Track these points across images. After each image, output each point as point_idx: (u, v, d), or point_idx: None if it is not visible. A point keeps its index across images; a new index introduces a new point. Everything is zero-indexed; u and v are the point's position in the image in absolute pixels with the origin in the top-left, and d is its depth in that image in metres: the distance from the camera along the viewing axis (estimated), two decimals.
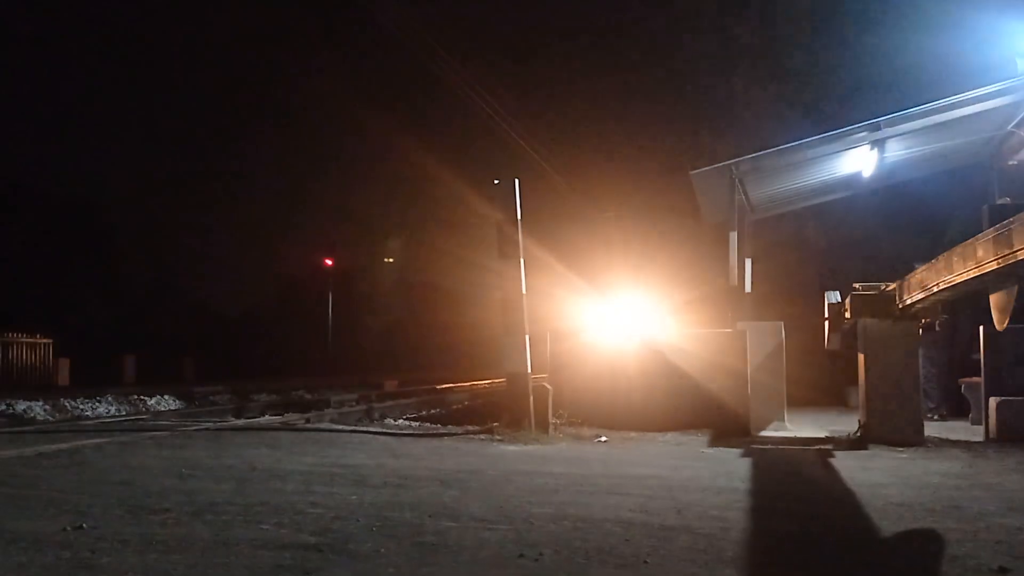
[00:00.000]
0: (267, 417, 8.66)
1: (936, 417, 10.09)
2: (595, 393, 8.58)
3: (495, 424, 7.66)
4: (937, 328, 9.92)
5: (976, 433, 7.95)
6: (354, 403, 12.35)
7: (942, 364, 10.87)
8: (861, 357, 7.62)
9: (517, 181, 7.82)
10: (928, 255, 7.19)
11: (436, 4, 44.95)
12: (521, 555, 3.12)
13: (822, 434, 8.27)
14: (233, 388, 15.58)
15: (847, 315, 8.02)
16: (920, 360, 7.69)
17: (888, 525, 3.84)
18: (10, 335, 19.39)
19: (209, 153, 64.10)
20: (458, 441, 7.01)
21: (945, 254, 5.76)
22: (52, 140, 49.87)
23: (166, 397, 13.68)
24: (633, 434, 7.64)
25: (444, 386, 17.33)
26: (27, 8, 48.98)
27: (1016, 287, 4.92)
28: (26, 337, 19.81)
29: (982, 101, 9.82)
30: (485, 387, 16.38)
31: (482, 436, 7.23)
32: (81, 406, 11.73)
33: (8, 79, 47.89)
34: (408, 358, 36.04)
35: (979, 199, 12.81)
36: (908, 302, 6.96)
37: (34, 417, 10.50)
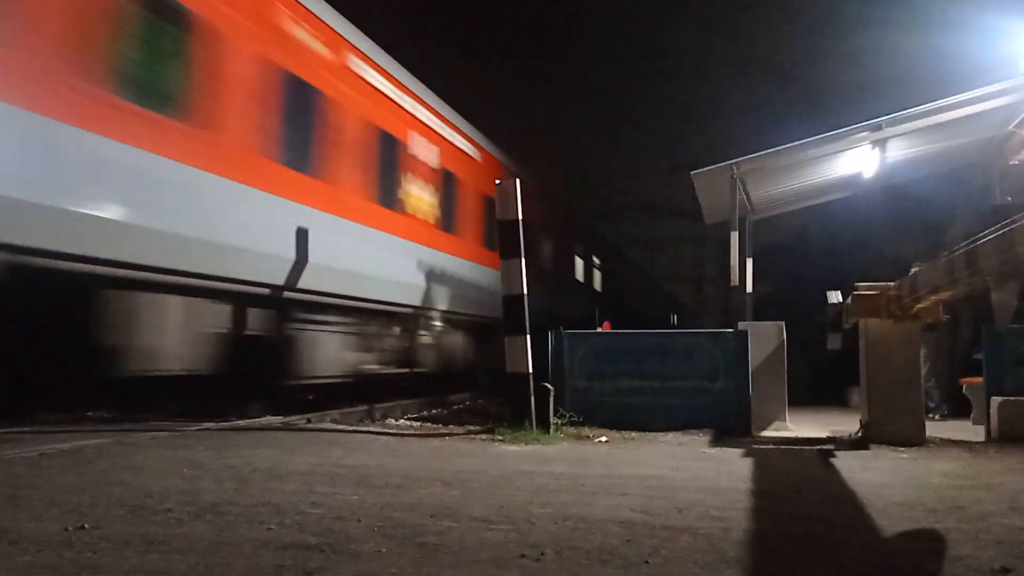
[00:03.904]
0: (268, 417, 8.65)
1: (938, 417, 10.10)
2: (597, 393, 8.59)
3: (496, 424, 7.66)
4: (939, 328, 9.95)
5: (978, 433, 7.95)
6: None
7: (944, 364, 10.88)
8: (862, 357, 7.63)
9: (518, 181, 7.82)
10: (929, 255, 7.20)
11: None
12: (523, 555, 3.12)
13: (823, 434, 8.27)
14: None
15: (848, 315, 8.02)
16: (921, 360, 7.69)
17: (890, 525, 3.84)
18: None
19: None
20: (459, 441, 7.01)
21: (947, 254, 5.76)
22: None
23: None
24: (634, 434, 7.65)
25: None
26: None
27: (1018, 287, 4.92)
28: None
29: (984, 101, 9.83)
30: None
31: (483, 436, 7.24)
32: None
33: None
34: None
35: (980, 199, 12.86)
36: (909, 302, 6.96)
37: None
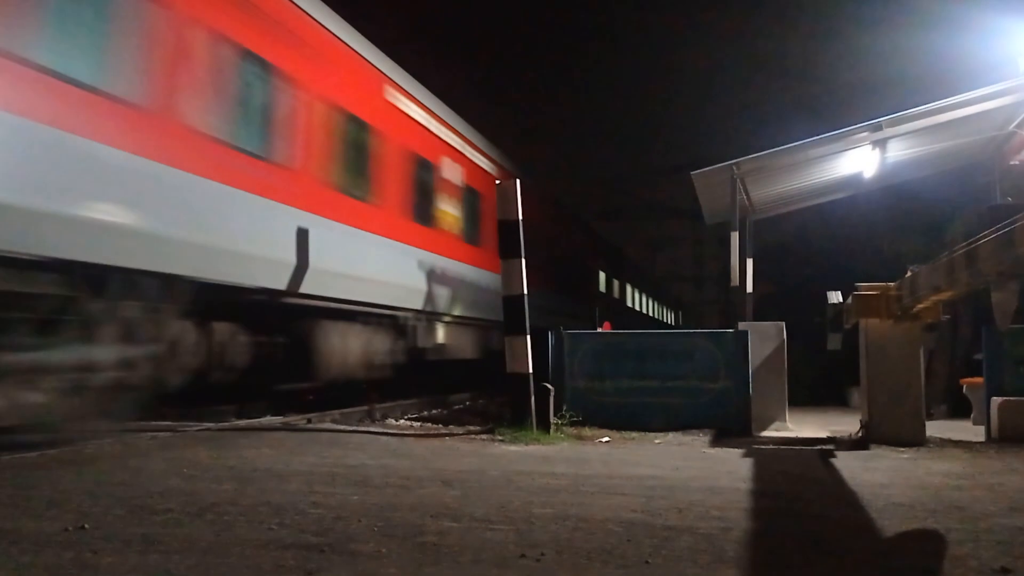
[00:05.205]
0: (268, 417, 8.65)
1: (938, 417, 10.10)
2: (597, 393, 8.59)
3: (497, 425, 7.66)
4: (939, 329, 9.95)
5: (978, 433, 7.95)
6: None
7: (944, 364, 10.88)
8: (863, 357, 7.62)
9: (518, 181, 7.83)
10: (930, 255, 7.20)
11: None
12: (523, 555, 3.12)
13: (824, 434, 8.27)
14: None
15: (848, 315, 8.02)
16: (921, 360, 7.71)
17: (890, 525, 3.84)
18: None
19: None
20: (460, 441, 7.01)
21: (947, 254, 5.76)
22: None
23: None
24: (634, 434, 7.65)
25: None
26: None
27: (1018, 287, 4.92)
28: None
29: (984, 101, 9.81)
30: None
31: (484, 436, 7.24)
32: None
33: None
34: None
35: (981, 199, 12.84)
36: (910, 302, 6.96)
37: None
